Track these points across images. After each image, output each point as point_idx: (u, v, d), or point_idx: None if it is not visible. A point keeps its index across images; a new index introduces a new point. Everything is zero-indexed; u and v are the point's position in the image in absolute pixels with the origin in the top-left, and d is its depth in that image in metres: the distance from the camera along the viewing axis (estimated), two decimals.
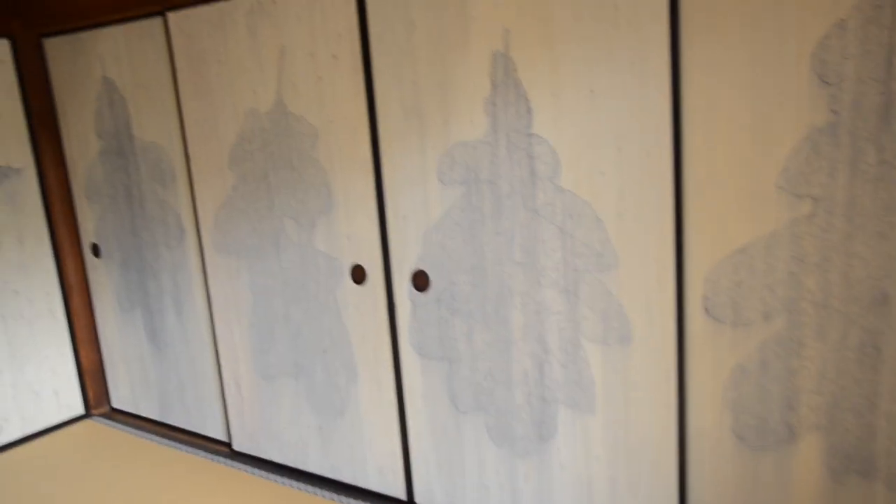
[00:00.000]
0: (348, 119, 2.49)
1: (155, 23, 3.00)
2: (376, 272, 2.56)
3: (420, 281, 2.45)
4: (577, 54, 1.98)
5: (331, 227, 2.64)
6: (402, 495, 2.72)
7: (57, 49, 3.45)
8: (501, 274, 2.26)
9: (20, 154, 3.48)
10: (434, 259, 2.41)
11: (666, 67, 1.84)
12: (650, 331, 2.02)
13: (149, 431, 3.62)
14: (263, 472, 3.10)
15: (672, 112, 1.86)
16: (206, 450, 3.35)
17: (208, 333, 3.24)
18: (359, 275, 2.60)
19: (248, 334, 3.04)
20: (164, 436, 3.55)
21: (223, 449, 3.34)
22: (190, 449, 3.38)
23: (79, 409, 3.80)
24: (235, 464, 3.20)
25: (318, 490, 2.91)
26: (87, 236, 3.65)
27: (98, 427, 3.74)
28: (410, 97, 2.32)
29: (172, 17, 2.89)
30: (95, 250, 3.62)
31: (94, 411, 3.86)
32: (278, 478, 3.04)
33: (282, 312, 2.90)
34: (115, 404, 3.86)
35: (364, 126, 2.46)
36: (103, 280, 3.66)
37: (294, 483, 2.99)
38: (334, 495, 2.87)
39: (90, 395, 3.83)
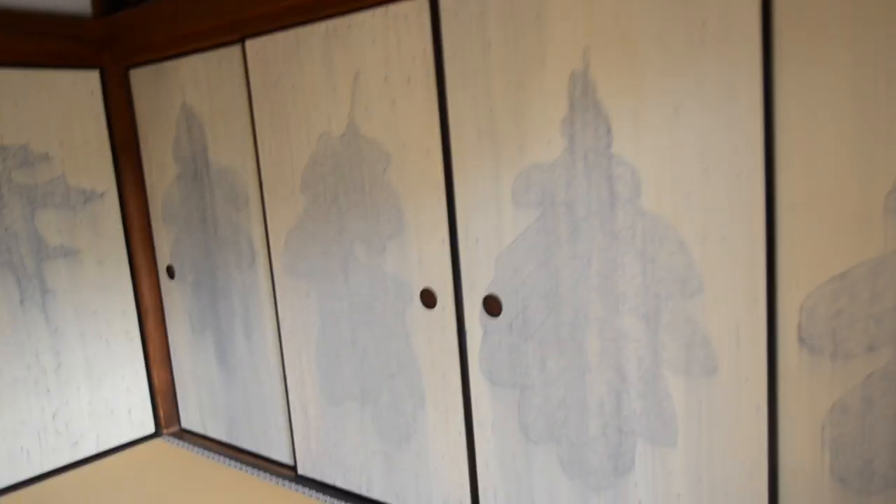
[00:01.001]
0: (421, 142, 2.47)
1: (233, 51, 3.07)
2: (447, 296, 2.52)
3: (492, 306, 2.39)
4: (661, 72, 1.91)
5: (401, 250, 2.61)
6: None
7: (141, 78, 3.57)
8: (577, 299, 2.18)
9: (103, 178, 3.60)
10: (506, 283, 2.35)
11: (758, 83, 1.76)
12: (738, 361, 1.90)
13: (216, 453, 3.64)
14: (328, 498, 3.06)
15: (764, 130, 1.77)
16: (272, 473, 3.34)
17: (276, 356, 3.24)
18: (429, 299, 2.56)
19: (315, 357, 3.03)
20: (231, 457, 3.56)
21: (288, 472, 3.32)
22: (256, 472, 3.37)
23: (150, 428, 3.86)
24: (300, 488, 3.17)
25: None
26: (163, 258, 3.74)
27: (168, 447, 3.78)
28: (485, 118, 2.29)
29: (250, 44, 2.95)
30: (170, 272, 3.69)
31: (164, 431, 3.91)
32: None
33: (349, 336, 2.88)
34: (185, 425, 3.90)
35: (437, 149, 2.43)
36: (176, 301, 3.72)
37: None
38: None
39: (161, 414, 3.88)
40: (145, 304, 3.77)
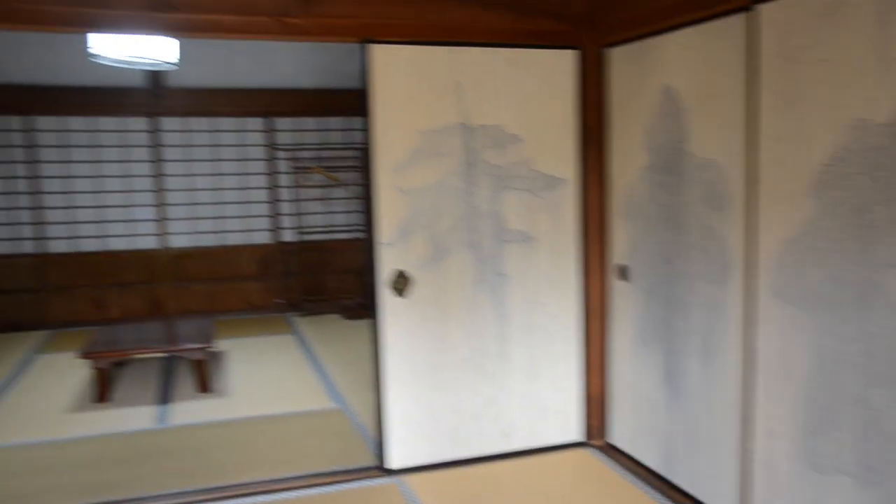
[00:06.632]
0: None
1: (736, 20, 2.56)
2: None
3: None
4: None
5: None
6: None
7: (619, 59, 3.28)
8: None
9: (567, 165, 3.42)
10: None
11: None
12: None
13: (645, 481, 3.23)
14: None
15: None
16: None
17: (739, 392, 2.67)
18: None
19: (799, 408, 2.38)
20: (661, 491, 3.12)
21: None
22: None
23: (577, 435, 3.62)
24: None
25: None
26: (616, 257, 3.43)
27: (592, 460, 3.49)
28: None
29: (765, 9, 2.40)
30: (622, 273, 3.37)
31: (591, 441, 3.64)
32: None
33: (855, 391, 2.17)
34: (613, 440, 3.57)
35: None
36: (625, 306, 3.38)
37: None
38: None
39: (591, 424, 3.61)
40: (592, 304, 3.52)
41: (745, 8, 2.51)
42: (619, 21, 3.20)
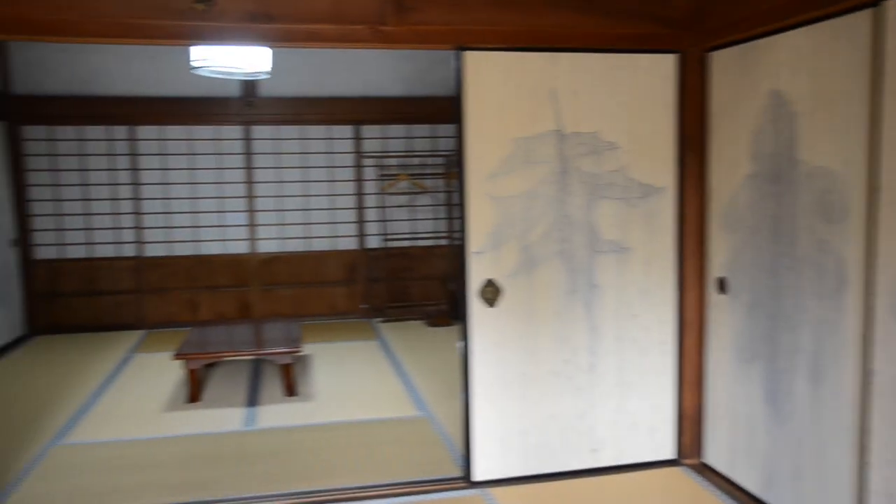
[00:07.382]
0: None
1: (859, 18, 2.40)
2: None
3: None
4: None
5: None
6: None
7: (722, 62, 3.14)
8: None
9: (664, 173, 3.30)
10: None
11: None
12: None
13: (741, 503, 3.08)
14: None
15: None
16: None
17: (853, 416, 2.50)
18: None
19: None
20: None
21: None
22: None
23: (670, 453, 3.47)
24: None
25: None
26: (715, 269, 3.27)
27: (686, 480, 3.34)
28: None
29: (893, 4, 2.24)
30: (721, 286, 3.21)
31: (684, 460, 3.48)
32: None
33: None
34: (708, 460, 3.41)
35: None
36: (724, 320, 3.23)
37: None
38: None
39: (684, 441, 3.46)
40: (687, 317, 3.37)
41: (870, 4, 2.35)
42: (724, 23, 3.06)
